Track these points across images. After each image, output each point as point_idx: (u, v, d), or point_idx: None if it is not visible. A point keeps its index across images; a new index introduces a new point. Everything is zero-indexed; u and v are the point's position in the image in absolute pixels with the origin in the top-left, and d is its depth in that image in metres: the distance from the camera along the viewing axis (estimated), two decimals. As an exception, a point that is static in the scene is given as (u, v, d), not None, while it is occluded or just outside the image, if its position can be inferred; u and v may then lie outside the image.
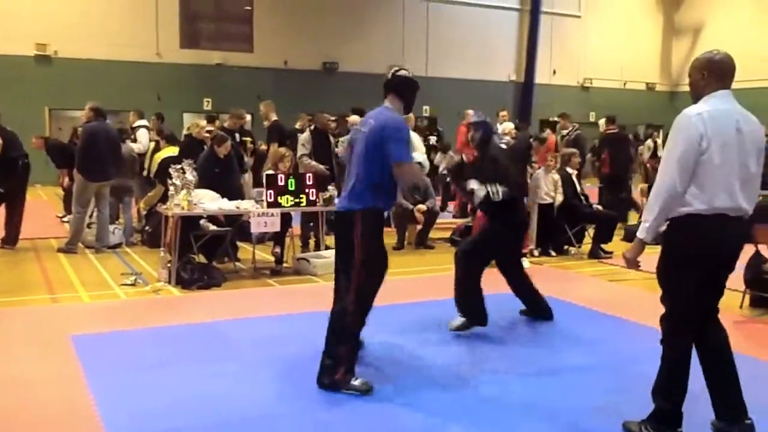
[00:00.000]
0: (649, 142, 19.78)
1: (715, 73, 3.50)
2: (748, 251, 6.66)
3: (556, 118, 13.74)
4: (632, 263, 3.69)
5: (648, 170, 16.53)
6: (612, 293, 7.41)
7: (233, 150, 8.73)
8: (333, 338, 4.36)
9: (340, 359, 4.31)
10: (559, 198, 9.40)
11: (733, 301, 6.69)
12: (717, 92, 3.49)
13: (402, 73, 4.58)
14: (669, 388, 3.64)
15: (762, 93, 21.73)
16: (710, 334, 3.67)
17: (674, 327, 3.60)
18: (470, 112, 12.63)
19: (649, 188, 12.12)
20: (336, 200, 8.25)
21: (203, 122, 10.30)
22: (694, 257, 3.48)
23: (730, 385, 3.63)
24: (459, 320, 5.65)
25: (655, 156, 16.70)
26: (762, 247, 6.56)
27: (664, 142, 18.20)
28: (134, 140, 11.02)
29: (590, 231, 9.81)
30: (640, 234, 3.56)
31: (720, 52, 3.55)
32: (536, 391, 4.45)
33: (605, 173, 12.33)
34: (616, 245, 9.92)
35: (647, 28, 27.26)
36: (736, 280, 6.64)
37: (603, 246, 9.49)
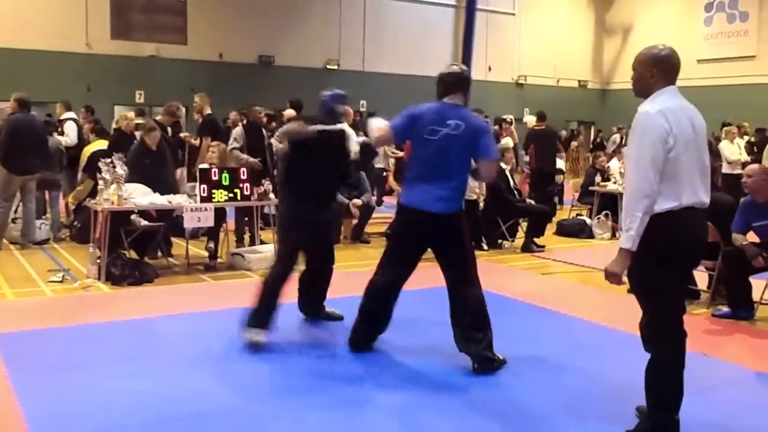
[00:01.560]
0: (615, 137, 19.99)
1: (664, 69, 3.45)
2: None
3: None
4: (617, 278, 3.40)
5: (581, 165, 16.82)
6: (544, 286, 7.56)
7: (164, 142, 8.57)
8: (484, 320, 4.73)
9: (491, 340, 4.72)
10: (482, 196, 9.54)
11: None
12: (666, 88, 3.44)
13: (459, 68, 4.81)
14: (673, 394, 3.47)
15: (688, 92, 22.38)
16: None
17: (667, 327, 3.47)
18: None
19: (583, 185, 12.30)
20: (271, 195, 8.19)
21: (131, 114, 10.09)
22: (674, 254, 3.39)
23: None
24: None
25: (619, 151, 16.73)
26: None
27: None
28: (61, 133, 10.70)
29: (523, 225, 9.99)
30: (625, 244, 3.32)
31: (665, 47, 3.50)
32: (467, 384, 4.51)
33: (532, 168, 12.55)
34: (548, 239, 10.14)
35: (580, 27, 27.85)
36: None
37: (535, 240, 9.67)
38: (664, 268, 3.39)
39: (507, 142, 12.99)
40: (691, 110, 3.49)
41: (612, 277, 3.41)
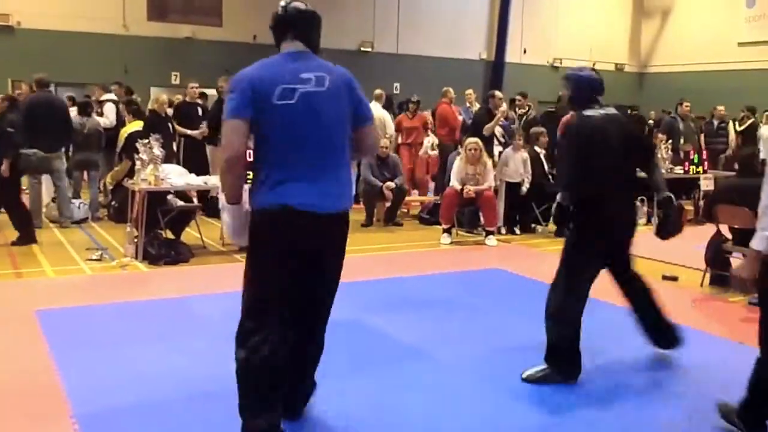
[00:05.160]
0: (733, 126, 15.47)
1: None
2: (709, 230, 6.83)
3: (517, 97, 13.68)
4: (743, 283, 3.07)
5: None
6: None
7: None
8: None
9: None
10: (528, 179, 9.43)
11: (694, 280, 6.85)
12: None
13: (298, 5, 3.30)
14: None
15: (728, 76, 22.00)
16: None
17: None
18: (450, 89, 12.51)
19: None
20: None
21: (164, 96, 10.26)
22: None
23: None
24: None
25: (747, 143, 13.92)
26: (723, 227, 6.69)
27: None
28: (101, 114, 10.86)
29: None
30: (758, 245, 2.90)
31: None
32: (501, 366, 4.52)
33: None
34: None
35: (617, 9, 27.36)
36: (697, 259, 6.82)
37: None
38: None
39: None
40: None
41: (738, 282, 3.16)
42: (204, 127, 10.25)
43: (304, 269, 3.19)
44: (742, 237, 6.51)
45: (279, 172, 3.11)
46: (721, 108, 14.78)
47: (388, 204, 9.84)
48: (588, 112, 4.19)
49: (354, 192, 3.28)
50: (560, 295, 4.22)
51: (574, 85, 4.33)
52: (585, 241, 4.20)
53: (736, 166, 7.36)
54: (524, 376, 4.28)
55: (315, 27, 3.32)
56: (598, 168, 4.08)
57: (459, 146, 9.83)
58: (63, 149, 9.55)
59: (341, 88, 3.19)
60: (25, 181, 8.91)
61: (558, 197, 4.35)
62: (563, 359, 4.26)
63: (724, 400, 3.65)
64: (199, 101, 11.11)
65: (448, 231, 8.75)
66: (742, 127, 14.38)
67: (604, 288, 4.45)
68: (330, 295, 3.38)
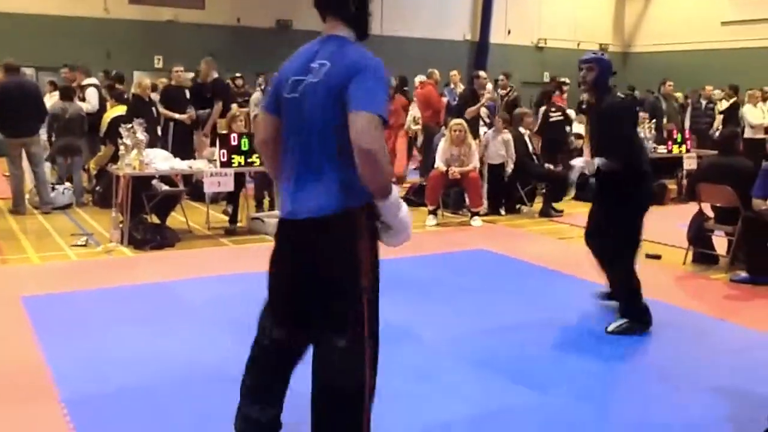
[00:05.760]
0: (722, 104, 14.83)
1: None
2: (692, 209, 6.90)
3: (500, 77, 13.60)
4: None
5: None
6: (562, 251, 7.57)
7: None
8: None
9: None
10: (511, 161, 9.45)
11: (677, 258, 6.92)
12: None
13: None
14: None
15: (713, 55, 22.07)
16: None
17: None
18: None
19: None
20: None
21: (147, 80, 10.19)
22: None
23: None
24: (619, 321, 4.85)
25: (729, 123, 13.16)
26: (705, 205, 6.76)
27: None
28: (83, 99, 10.77)
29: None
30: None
31: None
32: (487, 345, 4.56)
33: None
34: (567, 204, 10.11)
35: (601, -11, 27.37)
36: (679, 237, 6.90)
37: (554, 205, 9.65)
38: None
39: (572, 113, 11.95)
40: None
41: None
42: (192, 111, 10.19)
43: (294, 278, 2.91)
44: (724, 215, 6.59)
45: (285, 171, 2.85)
46: (710, 88, 14.85)
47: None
48: (620, 95, 4.89)
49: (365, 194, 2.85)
50: (620, 255, 4.77)
51: (600, 69, 4.85)
52: (637, 208, 4.74)
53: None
54: (608, 330, 4.77)
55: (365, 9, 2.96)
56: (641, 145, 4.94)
57: (444, 128, 9.84)
58: (44, 135, 9.48)
59: (337, 75, 2.68)
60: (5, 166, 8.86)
61: (597, 163, 4.70)
62: (637, 311, 4.77)
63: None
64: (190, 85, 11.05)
65: (433, 212, 8.78)
66: (725, 107, 14.46)
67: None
68: (325, 311, 2.91)
